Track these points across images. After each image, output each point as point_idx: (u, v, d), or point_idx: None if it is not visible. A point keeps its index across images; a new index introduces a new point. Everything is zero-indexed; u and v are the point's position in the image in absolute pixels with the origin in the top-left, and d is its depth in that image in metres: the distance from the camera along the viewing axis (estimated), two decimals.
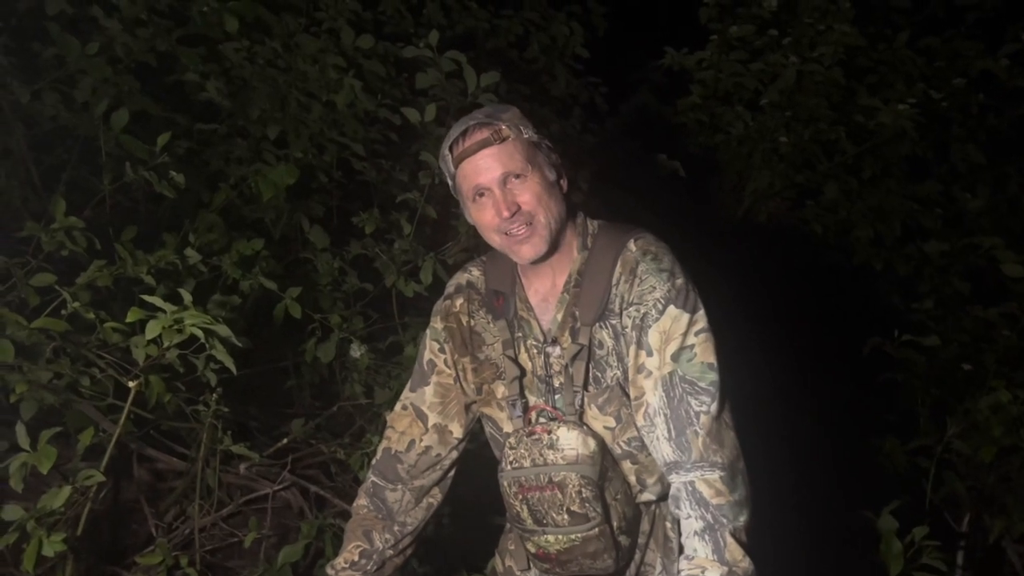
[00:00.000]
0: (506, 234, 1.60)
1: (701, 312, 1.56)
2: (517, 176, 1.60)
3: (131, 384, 2.00)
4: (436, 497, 1.77)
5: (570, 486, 1.55)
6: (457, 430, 1.76)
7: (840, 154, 3.80)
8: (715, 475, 1.47)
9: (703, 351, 1.53)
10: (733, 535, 1.43)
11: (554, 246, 1.63)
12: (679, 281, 1.57)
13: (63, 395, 2.06)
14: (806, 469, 2.65)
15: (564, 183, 1.68)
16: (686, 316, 1.54)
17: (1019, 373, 2.72)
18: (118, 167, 2.63)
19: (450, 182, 1.68)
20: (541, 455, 1.58)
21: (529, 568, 1.75)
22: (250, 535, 2.42)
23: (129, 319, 1.80)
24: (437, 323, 1.77)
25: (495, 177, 1.59)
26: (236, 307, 2.46)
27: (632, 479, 1.64)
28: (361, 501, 1.74)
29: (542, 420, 1.62)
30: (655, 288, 1.56)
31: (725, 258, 3.25)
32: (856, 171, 3.93)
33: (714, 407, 1.50)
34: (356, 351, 2.77)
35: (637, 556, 1.65)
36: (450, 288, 1.80)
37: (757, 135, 3.77)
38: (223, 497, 2.62)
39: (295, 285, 2.82)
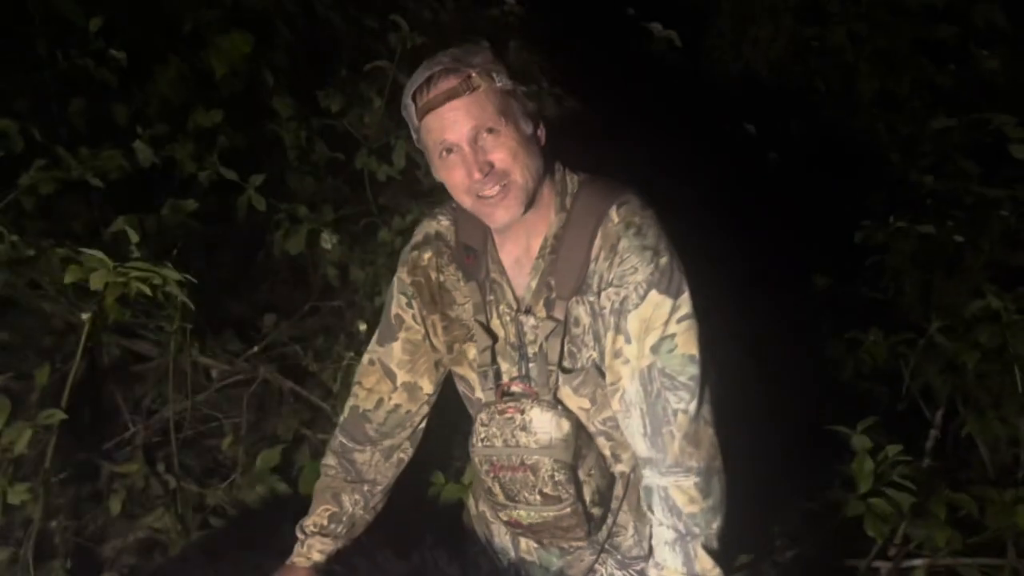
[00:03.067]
0: (478, 196, 1.45)
1: (685, 295, 1.44)
2: (489, 131, 1.43)
3: (84, 317, 1.90)
4: (407, 452, 1.73)
5: (543, 470, 1.51)
6: (427, 386, 1.69)
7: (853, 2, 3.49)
8: (690, 481, 1.42)
9: (684, 341, 1.43)
10: (704, 546, 1.40)
11: (529, 206, 1.48)
12: (663, 260, 1.44)
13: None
14: (782, 359, 2.63)
15: (542, 134, 1.51)
16: (669, 302, 1.43)
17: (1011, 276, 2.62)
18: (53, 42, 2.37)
19: (414, 135, 1.50)
20: (513, 436, 1.52)
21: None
22: (226, 441, 2.42)
23: (67, 280, 1.67)
24: (404, 275, 1.66)
25: (464, 133, 1.42)
26: (194, 210, 2.30)
27: (607, 452, 1.59)
28: (329, 461, 1.70)
29: (514, 400, 1.55)
30: (637, 269, 1.44)
31: (719, 125, 3.05)
32: (867, 16, 3.63)
33: (692, 405, 1.43)
34: (327, 242, 2.64)
35: (609, 520, 1.64)
36: (417, 237, 1.66)
37: None
38: (200, 380, 2.58)
39: (261, 157, 2.64)
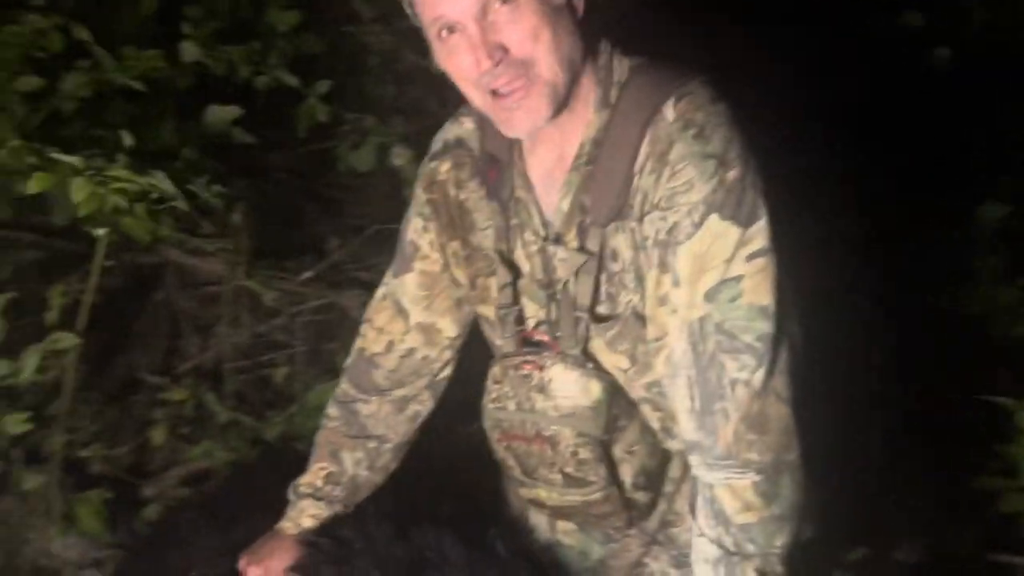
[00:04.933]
0: (491, 92, 1.10)
1: (760, 224, 1.04)
2: (504, 0, 1.06)
3: (99, 232, 1.72)
4: (425, 404, 1.43)
5: (563, 444, 1.17)
6: (449, 328, 1.38)
7: None
8: (746, 480, 1.04)
9: (754, 287, 1.04)
10: (760, 570, 1.03)
11: (562, 105, 1.12)
12: (731, 174, 1.04)
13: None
14: (936, 309, 2.11)
15: (579, 1, 1.13)
16: (735, 231, 1.04)
17: None
18: None
19: (407, 9, 1.16)
20: (528, 399, 1.19)
21: None
22: (281, 371, 2.24)
23: (32, 189, 1.46)
24: (420, 192, 1.35)
25: (468, 5, 1.06)
26: (242, 117, 2.07)
27: (655, 425, 1.23)
28: (331, 410, 1.44)
29: (534, 353, 1.21)
30: (693, 186, 1.05)
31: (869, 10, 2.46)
32: None
33: (759, 374, 1.04)
34: (399, 158, 2.35)
35: (662, 505, 1.28)
36: (436, 145, 1.34)
37: None
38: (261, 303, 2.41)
39: (333, 64, 2.39)
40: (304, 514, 1.37)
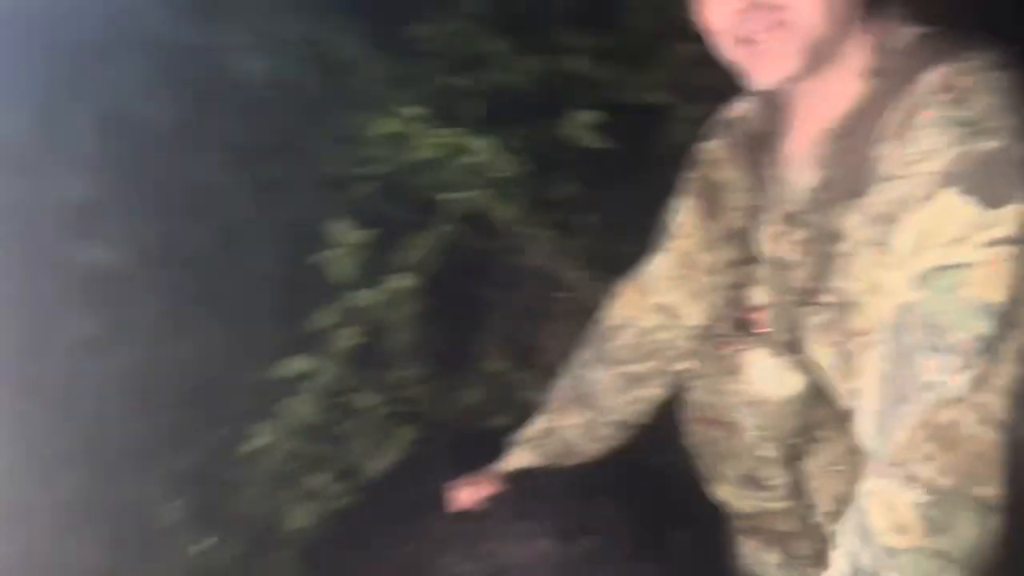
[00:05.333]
0: (743, 42, 1.05)
1: (1015, 208, 0.84)
2: None
3: (442, 197, 1.94)
4: (656, 389, 1.37)
5: (744, 434, 1.06)
6: (692, 314, 1.32)
7: None
8: (906, 496, 0.83)
9: (983, 279, 0.84)
10: None
11: (818, 62, 1.02)
12: (986, 144, 0.86)
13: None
14: None
15: None
16: (975, 210, 0.85)
17: None
18: None
19: None
20: (720, 381, 1.10)
21: None
22: None
23: (375, 130, 1.70)
24: (689, 172, 1.33)
25: None
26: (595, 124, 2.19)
27: None
28: (565, 371, 1.46)
29: (740, 335, 1.11)
30: (933, 153, 0.89)
31: None
32: None
33: (962, 380, 0.83)
34: None
35: None
36: (711, 126, 1.32)
37: None
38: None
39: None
40: (514, 459, 1.41)
